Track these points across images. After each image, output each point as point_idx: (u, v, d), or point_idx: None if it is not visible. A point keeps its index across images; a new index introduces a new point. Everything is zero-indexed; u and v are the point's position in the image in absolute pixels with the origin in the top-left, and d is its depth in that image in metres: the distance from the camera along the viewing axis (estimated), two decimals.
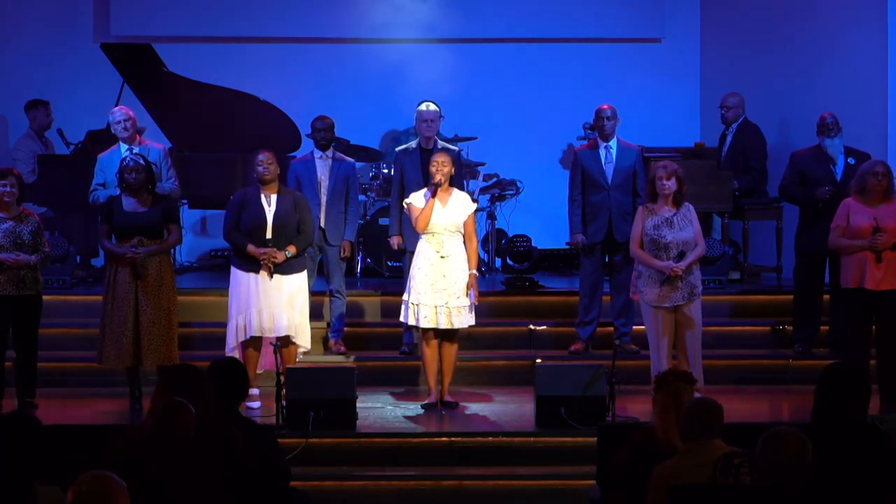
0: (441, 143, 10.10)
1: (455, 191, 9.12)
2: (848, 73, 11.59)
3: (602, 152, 10.01)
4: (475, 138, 12.40)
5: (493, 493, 8.15)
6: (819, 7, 12.09)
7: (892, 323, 8.96)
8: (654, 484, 5.31)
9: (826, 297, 10.15)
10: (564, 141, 13.01)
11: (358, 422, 8.59)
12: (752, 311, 10.80)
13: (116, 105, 10.74)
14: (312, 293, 9.57)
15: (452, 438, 8.47)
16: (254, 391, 8.91)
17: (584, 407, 8.49)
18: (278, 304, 9.07)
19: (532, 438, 8.50)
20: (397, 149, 10.40)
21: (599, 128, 10.04)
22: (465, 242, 9.06)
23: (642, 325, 9.19)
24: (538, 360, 8.97)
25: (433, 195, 8.97)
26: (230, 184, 11.04)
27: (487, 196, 12.24)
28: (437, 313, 8.94)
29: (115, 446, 5.51)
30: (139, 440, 5.49)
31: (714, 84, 12.70)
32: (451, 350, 9.09)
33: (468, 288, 8.99)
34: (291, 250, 9.10)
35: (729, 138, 11.83)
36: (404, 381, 9.81)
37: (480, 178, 12.09)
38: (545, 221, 12.35)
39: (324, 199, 10.10)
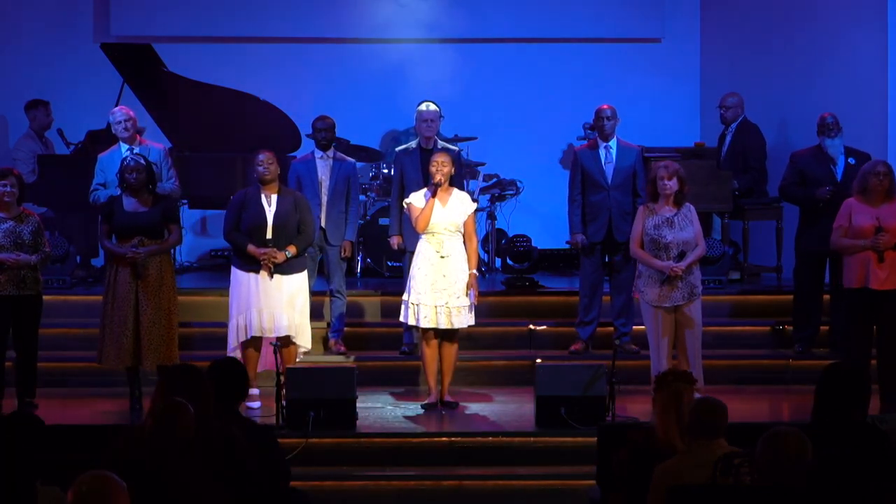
0: (441, 143, 10.10)
1: (455, 191, 9.12)
2: (848, 73, 11.59)
3: (602, 152, 10.01)
4: (475, 138, 12.40)
5: (493, 493, 8.15)
6: (819, 7, 12.09)
7: (893, 323, 8.96)
8: (656, 483, 5.31)
9: (826, 297, 10.15)
10: (564, 141, 13.02)
11: (358, 422, 8.59)
12: (752, 311, 10.80)
13: (116, 105, 10.74)
14: (313, 293, 9.57)
15: (452, 438, 8.47)
16: (254, 391, 8.91)
17: (584, 407, 8.49)
18: (278, 304, 9.07)
19: (532, 438, 8.50)
20: (397, 149, 10.40)
21: (599, 128, 10.04)
22: (465, 242, 9.06)
23: (642, 325, 9.19)
24: (538, 360, 8.97)
25: (433, 195, 8.97)
26: (230, 184, 11.04)
27: (487, 196, 12.24)
28: (437, 313, 8.94)
29: (115, 446, 5.51)
30: (139, 440, 5.49)
31: (714, 84, 12.70)
32: (451, 350, 9.09)
33: (468, 288, 8.99)
34: (291, 250, 9.11)
35: (728, 138, 11.83)
36: (404, 381, 9.81)
37: (480, 178, 12.09)
38: (545, 221, 12.35)
39: (324, 199, 10.10)
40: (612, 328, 10.10)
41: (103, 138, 11.20)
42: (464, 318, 9.01)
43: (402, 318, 9.20)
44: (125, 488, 4.46)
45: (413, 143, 10.20)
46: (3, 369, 8.95)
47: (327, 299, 10.20)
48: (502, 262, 12.00)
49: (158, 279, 8.94)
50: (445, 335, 9.06)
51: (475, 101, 12.90)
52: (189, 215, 12.17)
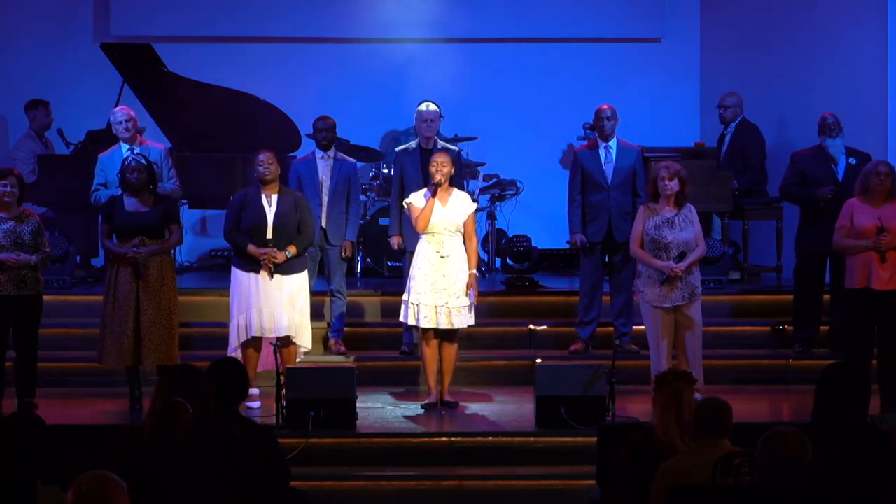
0: (441, 143, 10.10)
1: (455, 191, 9.12)
2: (848, 73, 11.59)
3: (602, 152, 10.01)
4: (475, 138, 12.40)
5: (493, 493, 8.15)
6: (819, 7, 12.10)
7: (894, 323, 8.96)
8: (659, 482, 5.31)
9: (826, 297, 10.15)
10: (564, 141, 13.01)
11: (358, 422, 8.59)
12: (752, 311, 10.80)
13: (116, 105, 10.75)
14: (313, 293, 9.56)
15: (452, 438, 8.47)
16: (254, 391, 8.91)
17: (584, 407, 8.49)
18: (279, 305, 9.07)
19: (532, 438, 8.50)
20: (397, 149, 10.40)
21: (599, 128, 10.04)
22: (465, 242, 9.06)
23: (642, 325, 9.19)
24: (538, 360, 8.97)
25: (433, 195, 8.97)
26: (230, 184, 11.04)
27: (487, 196, 12.24)
28: (436, 313, 8.94)
29: (115, 446, 5.51)
30: (139, 440, 5.49)
31: (714, 84, 12.69)
32: (451, 350, 9.09)
33: (468, 288, 8.99)
34: (292, 250, 9.11)
35: (727, 138, 11.84)
36: (404, 381, 9.81)
37: (480, 178, 12.09)
38: (545, 221, 12.35)
39: (325, 199, 10.10)
40: (612, 328, 10.10)
41: (103, 138, 11.20)
42: (464, 318, 9.01)
43: (402, 318, 9.20)
44: (125, 488, 4.46)
45: (413, 143, 10.20)
46: (3, 369, 8.95)
47: (327, 299, 10.20)
48: (502, 262, 12.00)
49: (159, 279, 8.94)
50: (445, 335, 9.06)
51: (475, 101, 12.90)
52: (189, 215, 12.17)
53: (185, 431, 5.45)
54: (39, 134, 12.10)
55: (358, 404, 8.63)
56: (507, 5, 13.05)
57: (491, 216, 12.16)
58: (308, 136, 10.72)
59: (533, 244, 11.52)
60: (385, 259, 11.56)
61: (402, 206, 9.46)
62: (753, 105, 11.93)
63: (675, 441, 5.57)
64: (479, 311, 9.35)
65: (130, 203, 8.99)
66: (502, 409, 9.22)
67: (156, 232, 8.99)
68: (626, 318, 10.00)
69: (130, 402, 9.05)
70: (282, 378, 8.54)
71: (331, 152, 10.19)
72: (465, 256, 9.03)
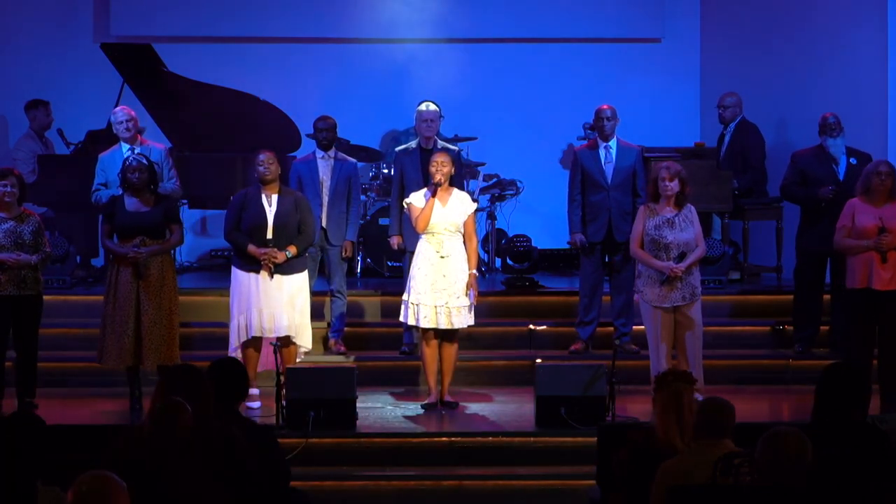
0: (441, 143, 10.10)
1: (455, 191, 9.12)
2: (848, 72, 11.60)
3: (602, 152, 10.01)
4: (475, 138, 12.40)
5: (493, 493, 8.15)
6: (819, 7, 12.10)
7: (895, 323, 8.97)
8: (660, 481, 5.31)
9: (826, 297, 10.15)
10: (564, 141, 13.01)
11: (358, 422, 8.59)
12: (752, 311, 10.80)
13: (116, 105, 10.75)
14: (313, 293, 9.56)
15: (452, 438, 8.47)
16: (254, 391, 8.91)
17: (584, 407, 8.49)
18: (279, 305, 9.07)
19: (532, 438, 8.50)
20: (397, 149, 10.40)
21: (599, 128, 10.04)
22: (464, 242, 9.06)
23: (642, 325, 9.19)
24: (538, 360, 8.97)
25: (433, 195, 8.97)
26: (230, 184, 11.04)
27: (487, 196, 12.24)
28: (436, 313, 8.94)
29: (115, 446, 5.51)
30: (139, 440, 5.49)
31: (714, 84, 12.69)
32: (450, 350, 9.09)
33: (468, 288, 8.99)
34: (292, 250, 9.11)
35: (727, 138, 11.84)
36: (404, 381, 9.81)
37: (480, 178, 12.09)
38: (545, 221, 12.34)
39: (325, 199, 10.10)
40: (612, 328, 10.10)
41: (103, 138, 11.20)
42: (464, 318, 9.01)
43: (402, 318, 9.20)
44: (125, 488, 4.46)
45: (413, 143, 10.20)
46: (3, 369, 8.95)
47: (328, 299, 10.20)
48: (502, 262, 12.00)
49: (160, 279, 8.94)
50: (445, 335, 9.06)
51: (475, 101, 12.89)
52: (189, 215, 12.16)
53: (185, 431, 5.45)
54: (39, 134, 12.10)
55: (358, 404, 8.63)
56: (506, 5, 13.05)
57: (491, 216, 12.16)
58: (308, 136, 10.72)
59: (533, 244, 11.52)
60: (385, 259, 11.57)
61: (402, 206, 9.47)
62: (753, 105, 11.93)
63: (675, 441, 5.57)
64: (479, 311, 9.35)
65: (131, 203, 8.99)
66: (502, 409, 9.22)
67: (157, 232, 8.99)
68: (626, 318, 10.00)
69: (130, 402, 9.05)
70: (282, 378, 8.54)
71: (331, 152, 10.19)
72: (465, 256, 9.03)
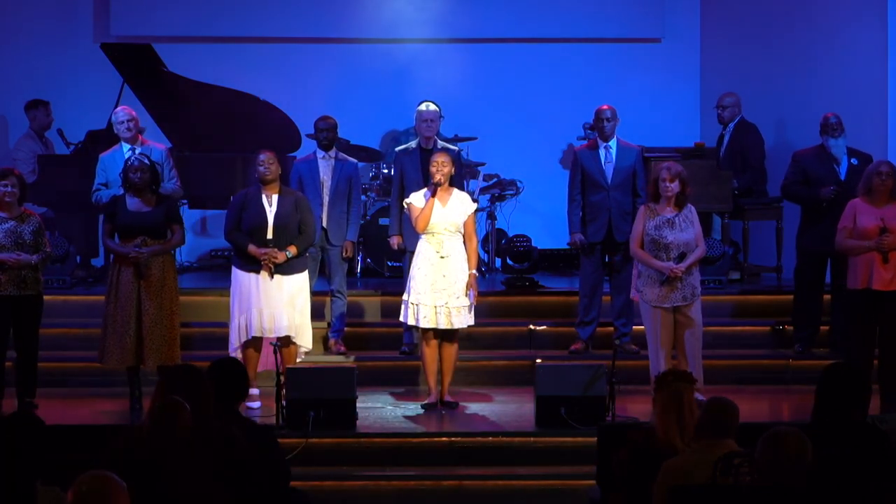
0: (441, 143, 10.10)
1: (455, 191, 9.12)
2: (848, 72, 11.60)
3: (602, 152, 10.01)
4: (475, 138, 12.40)
5: (493, 493, 8.15)
6: (819, 7, 12.10)
7: (895, 323, 8.97)
8: (661, 481, 5.31)
9: (826, 297, 10.15)
10: (564, 141, 13.01)
11: (358, 422, 8.59)
12: (752, 311, 10.80)
13: (117, 105, 10.75)
14: (314, 293, 9.57)
15: (452, 438, 8.47)
16: (254, 391, 8.91)
17: (584, 407, 8.49)
18: (279, 305, 9.07)
19: (532, 438, 8.50)
20: (397, 149, 10.40)
21: (599, 128, 10.04)
22: (464, 242, 9.06)
23: (642, 325, 9.19)
24: (538, 360, 8.97)
25: (433, 195, 8.97)
26: (230, 184, 11.05)
27: (487, 196, 12.24)
28: (436, 313, 8.94)
29: (115, 446, 5.51)
30: (139, 440, 5.49)
31: (714, 84, 12.69)
32: (450, 350, 9.09)
33: (468, 288, 8.99)
34: (292, 250, 9.11)
35: (726, 138, 11.85)
36: (404, 381, 9.81)
37: (480, 178, 12.09)
38: (545, 221, 12.34)
39: (326, 199, 10.10)
40: (612, 328, 10.10)
41: (103, 138, 11.20)
42: (463, 319, 9.01)
43: (402, 318, 9.20)
44: (125, 488, 4.46)
45: (413, 143, 10.20)
46: (4, 369, 8.95)
47: (328, 299, 10.20)
48: (502, 262, 12.00)
49: (161, 279, 8.94)
50: (445, 335, 9.06)
51: (475, 101, 12.89)
52: (189, 215, 12.15)
53: (185, 431, 5.45)
54: (39, 134, 12.10)
55: (358, 404, 8.63)
56: (506, 5, 13.04)
57: (491, 216, 12.16)
58: (309, 136, 10.72)
59: (533, 244, 11.52)
60: (385, 259, 11.57)
61: (402, 206, 9.47)
62: (753, 105, 11.93)
63: (675, 441, 5.57)
64: (479, 311, 9.35)
65: (133, 203, 8.99)
66: (502, 409, 9.22)
67: (158, 232, 8.99)
68: (626, 318, 10.00)
69: (130, 402, 9.05)
70: (282, 378, 8.54)
71: (332, 152, 10.19)
72: (465, 256, 9.03)
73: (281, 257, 9.06)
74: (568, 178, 10.23)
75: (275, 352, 8.67)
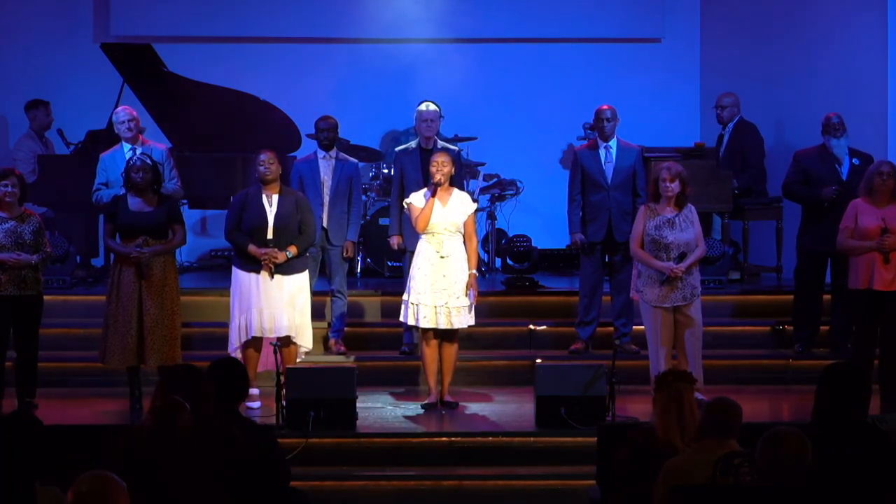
0: (441, 143, 10.10)
1: (455, 191, 9.12)
2: (848, 72, 11.60)
3: (602, 152, 10.01)
4: (475, 138, 12.40)
5: (493, 493, 8.15)
6: (819, 7, 12.11)
7: (895, 324, 8.97)
8: (662, 481, 5.31)
9: (826, 297, 10.15)
10: (564, 141, 13.01)
11: (358, 422, 8.59)
12: (752, 311, 10.80)
13: (117, 105, 10.75)
14: (314, 293, 9.57)
15: (452, 438, 8.47)
16: (254, 391, 8.91)
17: (584, 407, 8.49)
18: (279, 305, 9.07)
19: (532, 438, 8.50)
20: (397, 149, 10.40)
21: (599, 128, 10.04)
22: (465, 242, 9.06)
23: (642, 325, 9.19)
24: (538, 360, 8.97)
25: (433, 195, 8.97)
26: (230, 184, 11.05)
27: (487, 196, 12.24)
28: (436, 313, 8.94)
29: (115, 446, 5.51)
30: (139, 440, 5.49)
31: (714, 84, 12.69)
32: (450, 350, 9.09)
33: (468, 288, 8.99)
34: (292, 250, 9.11)
35: (725, 138, 11.85)
36: (404, 381, 9.81)
37: (480, 178, 12.09)
38: (545, 221, 12.35)
39: (326, 199, 10.10)
40: (612, 328, 10.10)
41: (103, 138, 11.19)
42: (463, 319, 9.01)
43: (402, 318, 9.20)
44: (125, 488, 4.46)
45: (413, 143, 10.20)
46: (4, 369, 8.95)
47: (328, 299, 10.20)
48: (502, 262, 12.00)
49: (162, 279, 8.94)
50: (445, 335, 9.06)
51: (475, 101, 12.89)
52: (189, 215, 12.12)
53: (185, 431, 5.45)
54: (39, 134, 12.11)
55: (358, 404, 8.63)
56: (505, 5, 13.04)
57: (491, 216, 12.16)
58: (309, 136, 10.72)
59: (533, 244, 11.52)
60: (385, 259, 11.56)
61: (402, 206, 9.47)
62: (753, 105, 11.93)
63: (675, 441, 5.57)
64: (479, 311, 9.34)
65: (135, 203, 9.00)
66: (502, 409, 9.22)
67: (160, 232, 9.00)
68: (626, 318, 10.00)
69: (130, 402, 9.05)
70: (282, 378, 8.54)
71: (332, 152, 10.19)
72: (465, 256, 9.03)
73: (281, 257, 9.06)
74: (568, 178, 10.23)
75: (275, 352, 8.67)
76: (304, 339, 9.21)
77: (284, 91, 12.27)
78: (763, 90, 12.27)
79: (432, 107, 10.12)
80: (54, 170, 11.39)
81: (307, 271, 9.34)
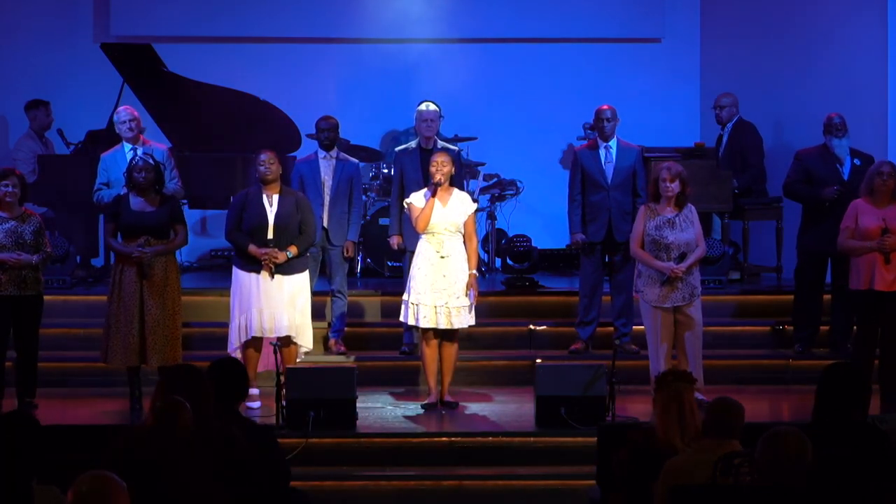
0: (441, 143, 10.10)
1: (455, 191, 9.12)
2: (848, 72, 11.60)
3: (602, 152, 10.01)
4: (475, 138, 12.40)
5: (493, 493, 8.15)
6: (819, 7, 12.10)
7: (895, 324, 8.98)
8: (663, 481, 5.31)
9: (826, 297, 10.14)
10: (564, 141, 13.01)
11: (358, 422, 8.59)
12: (752, 311, 10.80)
13: (117, 105, 10.75)
14: (314, 293, 9.56)
15: (452, 438, 8.47)
16: (254, 391, 8.91)
17: (584, 407, 8.48)
18: (279, 305, 9.07)
19: (532, 438, 8.50)
20: (397, 149, 10.40)
21: (599, 129, 10.04)
22: (465, 242, 9.06)
23: (642, 325, 9.19)
24: (538, 360, 8.97)
25: (433, 195, 8.97)
26: (230, 184, 11.05)
27: (487, 196, 12.24)
28: (436, 313, 8.94)
29: (115, 446, 5.51)
30: (139, 440, 5.49)
31: (714, 84, 12.69)
32: (450, 350, 9.09)
33: (468, 288, 8.99)
34: (293, 250, 9.11)
35: (725, 138, 11.85)
36: (404, 381, 9.81)
37: (480, 178, 12.09)
38: (545, 221, 12.35)
39: (327, 199, 10.10)
40: (612, 328, 10.10)
41: (103, 138, 11.20)
42: (464, 319, 9.01)
43: (402, 318, 9.20)
44: (125, 488, 4.46)
45: (413, 143, 10.20)
46: (4, 369, 8.95)
47: (328, 299, 10.20)
48: (502, 262, 12.00)
49: (163, 279, 8.94)
50: (445, 335, 9.06)
51: (475, 101, 12.89)
52: (189, 215, 12.07)
53: (185, 431, 5.46)
54: (39, 134, 12.11)
55: (358, 404, 8.63)
56: (506, 5, 13.04)
57: (491, 216, 12.16)
58: (309, 136, 10.72)
59: (533, 244, 11.52)
60: (385, 259, 11.56)
61: (402, 206, 9.47)
62: (753, 104, 11.93)
63: (675, 441, 5.57)
64: (479, 311, 9.34)
65: (136, 202, 9.00)
66: (502, 409, 9.22)
67: (161, 232, 9.00)
68: (626, 318, 10.00)
69: (130, 402, 9.05)
70: (282, 378, 8.54)
71: (333, 152, 10.19)
72: (465, 256, 9.03)
73: (281, 257, 9.06)
74: (568, 178, 10.23)
75: (275, 352, 8.67)
76: (305, 339, 9.21)
77: (284, 91, 12.27)
78: (763, 90, 12.27)
79: (432, 107, 10.12)
80: (54, 170, 11.39)
81: (307, 271, 9.34)
